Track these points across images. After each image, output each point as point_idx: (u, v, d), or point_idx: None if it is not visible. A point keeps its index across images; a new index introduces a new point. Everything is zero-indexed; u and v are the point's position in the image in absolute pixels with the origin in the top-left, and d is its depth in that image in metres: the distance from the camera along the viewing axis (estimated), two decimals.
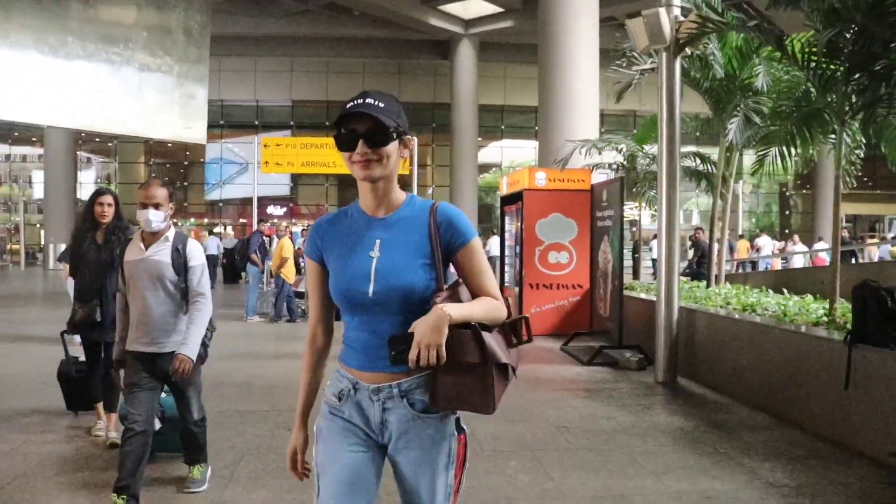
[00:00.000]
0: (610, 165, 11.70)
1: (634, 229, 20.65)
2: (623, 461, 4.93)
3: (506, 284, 12.39)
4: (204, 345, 4.14)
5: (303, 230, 21.28)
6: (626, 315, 8.99)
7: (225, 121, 37.40)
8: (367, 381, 2.01)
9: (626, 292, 9.44)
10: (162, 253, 4.01)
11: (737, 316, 7.27)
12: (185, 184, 42.02)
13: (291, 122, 37.97)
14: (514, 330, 2.00)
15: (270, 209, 37.76)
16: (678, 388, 7.41)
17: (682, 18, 7.69)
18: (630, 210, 17.54)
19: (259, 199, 37.92)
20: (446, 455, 2.01)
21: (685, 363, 7.69)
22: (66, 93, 20.39)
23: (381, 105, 1.98)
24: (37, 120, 23.12)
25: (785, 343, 6.13)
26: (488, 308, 1.96)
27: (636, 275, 16.69)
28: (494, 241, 21.42)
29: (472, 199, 32.14)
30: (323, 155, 18.19)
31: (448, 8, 30.21)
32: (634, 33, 7.81)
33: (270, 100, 37.56)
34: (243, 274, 13.75)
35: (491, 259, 23.42)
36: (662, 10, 7.54)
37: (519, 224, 11.70)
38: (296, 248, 13.12)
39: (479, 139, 34.65)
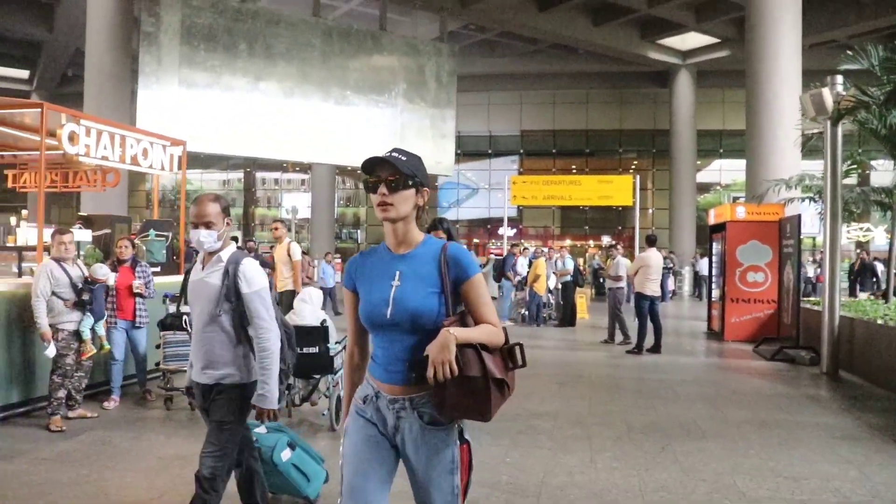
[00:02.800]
0: (802, 199, 13.83)
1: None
2: (809, 425, 7.62)
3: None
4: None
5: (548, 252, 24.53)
6: (804, 323, 11.36)
7: (461, 150, 41.81)
8: (385, 392, 2.40)
9: (805, 305, 11.77)
10: (215, 275, 3.56)
11: (888, 323, 9.51)
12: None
13: (521, 151, 41.73)
14: (510, 355, 2.34)
15: (501, 230, 41.57)
16: (838, 377, 9.75)
17: (843, 93, 10.03)
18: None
19: (491, 220, 42.11)
20: (450, 461, 2.36)
21: (846, 360, 9.99)
22: (342, 135, 25.34)
23: (404, 159, 2.40)
24: (317, 159, 28.48)
25: None
26: (488, 333, 2.32)
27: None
28: (704, 263, 23.62)
29: (691, 221, 33.84)
30: (560, 189, 21.44)
31: (666, 42, 32.35)
32: (804, 106, 10.28)
33: (502, 130, 41.46)
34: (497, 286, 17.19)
35: (700, 278, 25.66)
36: (826, 90, 9.96)
37: (722, 249, 14.19)
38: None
39: (698, 162, 36.31)
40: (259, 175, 48.35)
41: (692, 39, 32.04)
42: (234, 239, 15.11)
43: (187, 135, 12.47)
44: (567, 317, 16.05)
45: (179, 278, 9.07)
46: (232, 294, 3.50)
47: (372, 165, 2.38)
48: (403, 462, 2.42)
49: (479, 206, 44.63)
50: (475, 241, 44.06)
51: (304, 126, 24.80)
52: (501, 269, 16.47)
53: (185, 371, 6.99)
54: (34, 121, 8.09)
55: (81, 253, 8.07)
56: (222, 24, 23.41)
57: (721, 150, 39.76)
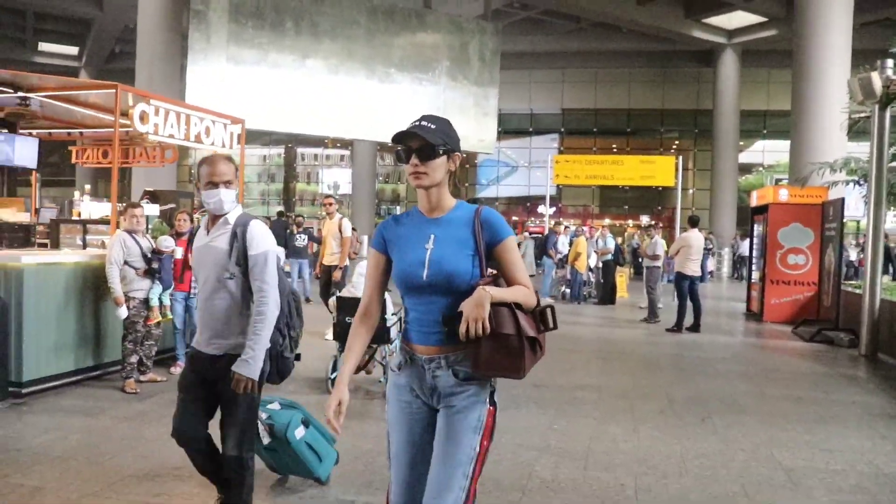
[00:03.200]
0: (846, 182, 13.84)
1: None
2: (846, 403, 7.83)
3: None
4: (279, 355, 3.48)
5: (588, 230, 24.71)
6: (845, 305, 11.48)
7: (502, 127, 41.90)
8: (421, 353, 2.45)
9: (846, 288, 11.88)
10: (221, 238, 3.38)
11: None
12: (458, 182, 47.33)
13: (561, 129, 41.70)
14: (542, 317, 2.41)
15: (540, 209, 41.71)
16: (877, 359, 9.89)
17: (893, 77, 10.07)
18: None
19: (531, 198, 42.25)
20: (476, 419, 2.40)
21: (886, 342, 10.12)
22: (385, 112, 25.63)
23: (433, 126, 2.43)
24: (361, 136, 28.84)
25: None
26: (522, 294, 2.38)
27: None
28: (745, 244, 23.64)
29: (732, 202, 33.68)
30: (601, 170, 21.58)
31: (712, 20, 32.04)
32: (853, 89, 10.33)
33: (543, 108, 41.44)
34: (537, 264, 17.48)
35: (740, 259, 25.68)
36: (875, 74, 10.01)
37: (764, 230, 14.28)
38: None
39: (741, 143, 36.02)
40: (299, 150, 48.82)
41: (738, 18, 31.66)
42: (280, 214, 15.41)
43: (235, 111, 12.80)
44: (607, 295, 16.28)
45: None
46: (241, 257, 3.31)
47: (402, 135, 2.43)
48: (438, 421, 2.46)
49: (519, 184, 44.74)
50: (514, 218, 44.25)
51: (348, 103, 25.14)
52: (543, 247, 16.72)
53: None
54: (103, 100, 8.52)
55: (149, 226, 8.49)
56: (269, 1, 23.78)
57: (765, 131, 39.35)
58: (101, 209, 11.85)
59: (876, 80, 9.97)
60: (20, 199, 10.56)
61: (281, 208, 35.02)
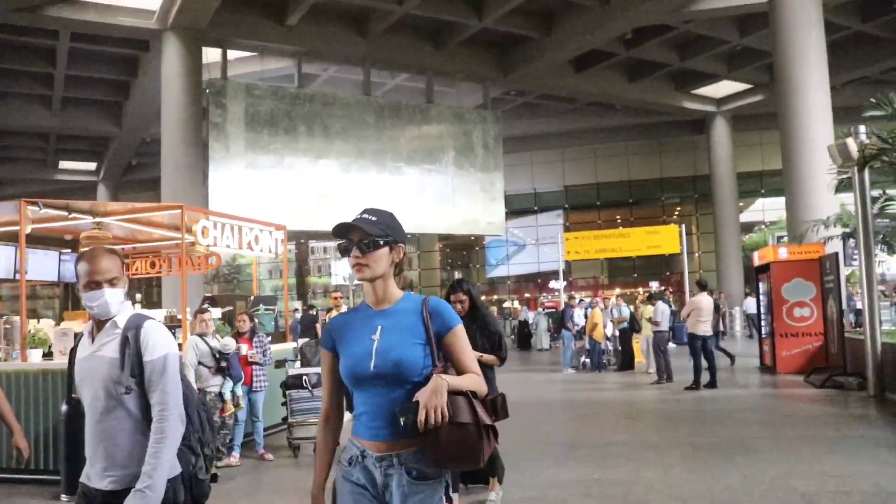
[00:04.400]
0: (840, 237, 14.80)
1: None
2: (855, 438, 8.59)
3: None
4: (194, 478, 2.82)
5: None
6: (850, 351, 12.28)
7: (508, 208, 43.21)
8: (372, 450, 2.40)
9: (850, 335, 12.69)
10: (110, 346, 2.76)
11: None
12: (469, 264, 48.61)
13: (565, 205, 42.99)
14: (493, 406, 2.41)
15: (552, 283, 42.62)
16: (884, 399, 10.63)
17: (866, 142, 11.11)
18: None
19: (541, 274, 43.19)
20: None
21: (892, 382, 10.87)
22: (397, 203, 26.84)
23: (374, 219, 2.45)
24: None
25: None
26: (474, 381, 2.39)
27: None
28: (749, 301, 24.63)
29: (737, 261, 34.56)
30: (609, 243, 22.71)
31: (700, 91, 33.55)
32: (832, 154, 11.38)
33: (546, 187, 42.84)
34: (555, 337, 18.31)
35: (749, 316, 26.50)
36: (850, 140, 11.06)
37: (769, 287, 15.14)
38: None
39: (740, 203, 37.18)
40: (311, 244, 50.20)
41: (725, 87, 33.18)
42: (309, 307, 16.19)
43: (254, 212, 13.81)
44: (626, 361, 17.05)
45: (288, 345, 10.42)
46: (136, 366, 2.69)
47: (343, 230, 2.45)
48: None
49: (528, 262, 45.79)
50: (526, 295, 45.14)
51: (361, 198, 26.34)
52: (561, 321, 17.56)
53: (309, 424, 8.28)
54: (165, 219, 9.60)
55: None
56: (283, 109, 25.36)
57: (762, 190, 40.47)
58: (154, 315, 12.80)
59: (852, 145, 11.02)
60: (85, 312, 11.52)
61: (296, 303, 36.11)
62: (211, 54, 25.04)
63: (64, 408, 7.01)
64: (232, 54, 26.17)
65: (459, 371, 2.43)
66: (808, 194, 19.26)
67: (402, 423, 2.26)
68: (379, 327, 2.43)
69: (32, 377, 7.61)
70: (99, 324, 2.82)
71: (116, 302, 2.76)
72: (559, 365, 18.16)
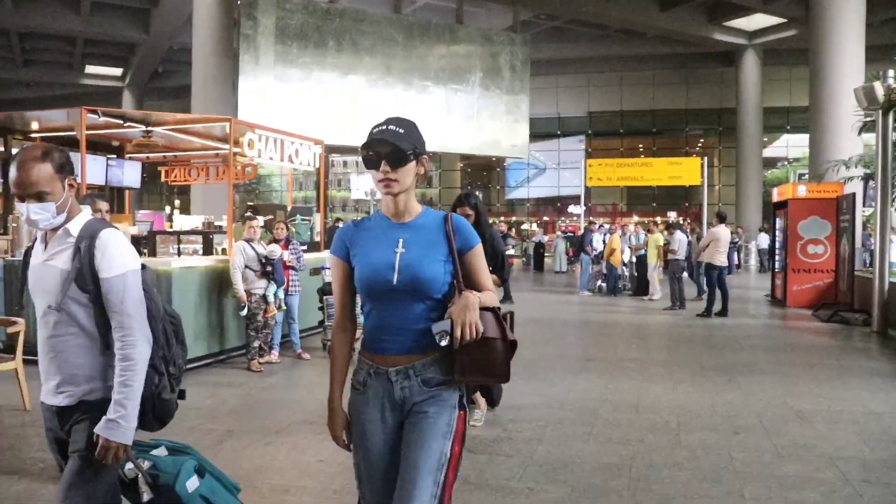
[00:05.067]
0: (860, 178, 15.10)
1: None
2: (852, 366, 9.16)
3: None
4: (156, 397, 2.64)
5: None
6: (859, 289, 12.75)
7: (531, 131, 43.35)
8: (387, 365, 2.38)
9: (859, 273, 13.15)
10: (61, 256, 2.52)
11: None
12: (489, 185, 48.97)
13: (589, 131, 43.01)
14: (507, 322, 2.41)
15: (571, 208, 42.99)
16: (887, 335, 11.14)
17: (894, 86, 11.32)
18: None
19: (560, 198, 43.50)
20: (446, 424, 2.35)
21: (895, 319, 11.37)
22: (423, 121, 26.89)
23: (401, 131, 2.35)
24: None
25: None
26: (492, 299, 2.39)
27: None
28: (762, 237, 25.23)
29: (757, 196, 34.77)
30: (631, 172, 23.07)
31: (732, 23, 33.14)
32: (858, 97, 11.62)
33: (570, 112, 42.80)
34: (572, 261, 18.82)
35: (760, 251, 27.06)
36: (878, 83, 11.28)
37: (785, 224, 15.54)
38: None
39: (765, 139, 37.10)
40: (332, 157, 50.48)
41: (758, 20, 32.68)
42: (337, 220, 16.94)
43: (282, 124, 14.07)
44: (641, 287, 17.61)
45: (323, 254, 11.00)
46: (88, 279, 2.47)
47: (373, 143, 2.34)
48: (403, 432, 2.39)
49: (548, 185, 46.10)
50: (545, 218, 45.58)
51: (387, 114, 26.33)
52: (580, 245, 18.10)
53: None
54: (212, 130, 10.07)
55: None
56: (313, 23, 25.42)
57: (788, 127, 40.35)
58: (191, 222, 13.43)
59: (878, 88, 11.25)
60: (129, 216, 12.13)
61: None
62: None
63: None
64: None
65: (475, 288, 2.41)
66: (833, 134, 19.47)
67: (438, 341, 2.23)
68: (400, 240, 2.39)
69: None
70: (49, 231, 2.55)
71: (45, 216, 2.47)
72: (575, 287, 18.80)
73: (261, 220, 9.83)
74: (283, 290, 8.92)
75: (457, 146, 29.50)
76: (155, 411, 2.66)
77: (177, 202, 14.44)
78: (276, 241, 9.04)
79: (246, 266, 8.37)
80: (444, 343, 2.22)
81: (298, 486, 4.53)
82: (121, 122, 9.14)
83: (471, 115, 28.91)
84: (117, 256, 2.47)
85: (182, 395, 2.81)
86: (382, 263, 2.36)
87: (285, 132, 10.33)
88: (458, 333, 2.20)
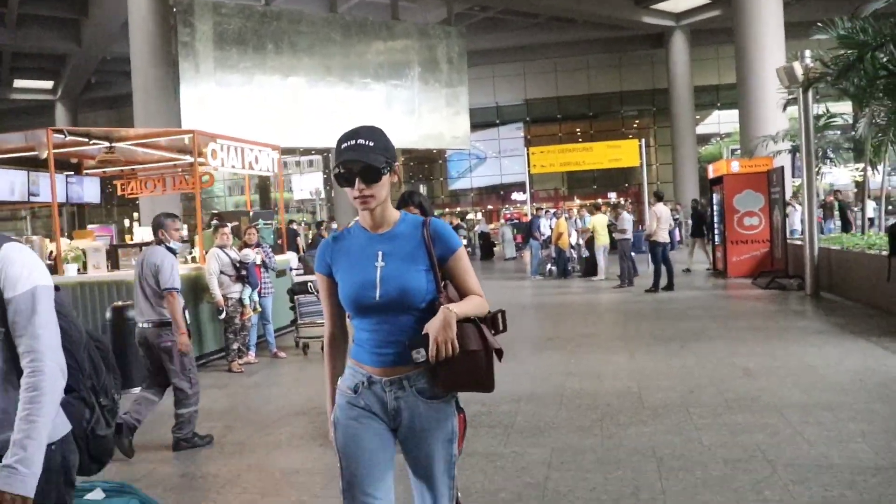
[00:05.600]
0: (788, 151, 16.04)
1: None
2: (790, 327, 9.92)
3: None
4: (90, 435, 2.29)
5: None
6: (792, 256, 13.64)
7: (469, 121, 43.99)
8: (380, 375, 2.37)
9: (790, 241, 14.06)
10: None
11: (847, 249, 11.76)
12: (431, 178, 49.51)
13: (527, 118, 43.83)
14: (493, 322, 2.43)
15: (514, 195, 43.76)
16: (819, 297, 12.01)
17: (811, 65, 12.16)
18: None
19: (503, 186, 44.20)
20: (449, 432, 2.41)
21: (826, 283, 12.24)
22: (365, 118, 27.28)
23: (371, 144, 2.30)
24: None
25: (868, 262, 10.68)
26: (478, 305, 2.40)
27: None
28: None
29: (693, 173, 35.96)
30: (573, 157, 23.88)
31: (660, 6, 34.17)
32: (780, 76, 12.44)
33: (508, 100, 43.54)
34: (519, 247, 19.47)
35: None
36: (797, 63, 12.11)
37: (721, 198, 16.40)
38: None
39: (697, 116, 38.36)
40: None
41: (684, 2, 33.84)
42: (319, 224, 17.30)
43: (224, 129, 14.09)
44: (590, 268, 18.33)
45: (286, 256, 11.39)
46: None
47: (342, 159, 2.31)
48: (401, 441, 2.42)
49: (490, 174, 46.79)
50: (489, 207, 46.29)
51: (330, 113, 26.91)
52: (528, 231, 18.76)
53: (316, 325, 9.30)
54: (172, 142, 10.37)
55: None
56: (250, 27, 25.55)
57: (718, 104, 41.69)
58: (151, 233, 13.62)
59: (798, 68, 12.08)
60: (91, 231, 12.31)
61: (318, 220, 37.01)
62: None
63: (108, 314, 7.96)
64: None
65: (462, 293, 2.44)
66: (761, 109, 20.45)
67: (414, 358, 2.25)
68: (380, 253, 2.38)
69: (70, 289, 8.50)
70: None
71: None
72: (525, 273, 19.48)
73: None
74: (257, 292, 9.32)
75: (399, 141, 29.75)
76: (90, 451, 2.31)
77: (136, 214, 14.57)
78: (247, 245, 9.42)
79: (221, 272, 8.74)
80: (420, 361, 2.25)
81: (305, 468, 4.99)
82: (86, 139, 9.35)
83: (412, 109, 29.35)
84: (23, 271, 2.08)
85: (119, 429, 2.49)
86: (363, 280, 2.36)
87: (245, 140, 10.67)
88: (432, 352, 2.21)
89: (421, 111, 29.52)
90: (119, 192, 13.89)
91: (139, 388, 6.21)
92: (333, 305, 2.51)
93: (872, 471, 4.24)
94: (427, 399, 2.37)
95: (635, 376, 6.99)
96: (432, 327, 2.24)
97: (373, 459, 2.38)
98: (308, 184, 49.70)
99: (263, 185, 50.49)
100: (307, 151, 46.20)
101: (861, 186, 15.14)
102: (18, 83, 41.18)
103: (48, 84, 41.89)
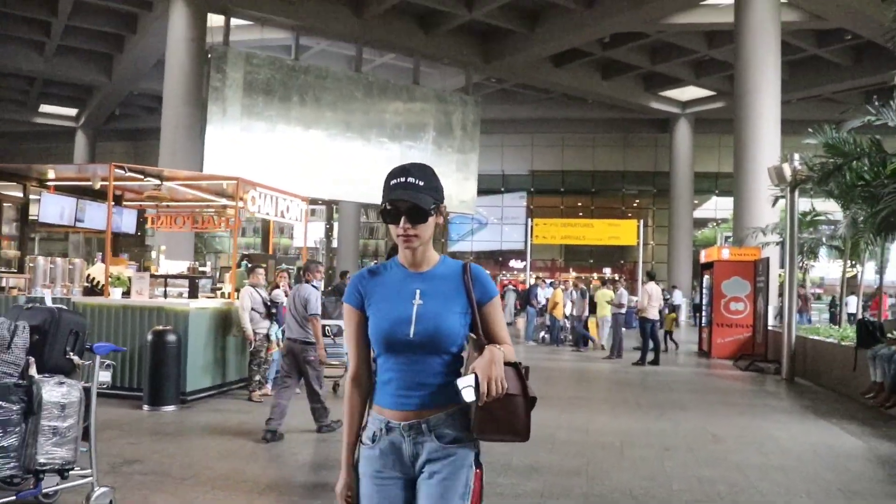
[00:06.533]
0: (776, 243, 17.10)
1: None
2: (761, 405, 10.80)
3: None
4: None
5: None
6: (772, 342, 14.59)
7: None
8: (398, 420, 2.30)
9: (771, 328, 15.03)
10: None
11: (822, 339, 12.71)
12: (433, 238, 50.55)
13: (531, 188, 45.16)
14: (524, 372, 2.35)
15: (512, 262, 44.82)
16: (794, 382, 12.90)
17: (798, 167, 13.28)
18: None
19: (502, 252, 45.19)
20: (464, 484, 2.30)
21: (801, 369, 13.16)
22: (378, 176, 28.56)
23: (421, 183, 2.29)
24: (356, 198, 31.82)
25: (839, 352, 11.62)
26: (512, 352, 2.34)
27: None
28: (677, 294, 27.41)
29: (688, 256, 37.06)
30: (573, 231, 25.04)
31: (667, 93, 35.84)
32: (770, 175, 13.56)
33: (514, 169, 44.93)
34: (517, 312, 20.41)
35: (673, 307, 29.12)
36: (786, 164, 13.23)
37: (711, 283, 17.42)
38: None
39: (695, 201, 39.71)
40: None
41: (691, 92, 35.43)
42: (343, 274, 18.13)
43: (245, 174, 15.05)
44: (581, 339, 19.23)
45: None
46: None
47: (391, 197, 2.30)
48: (417, 493, 2.34)
49: (490, 240, 47.90)
50: (487, 271, 47.16)
51: (346, 168, 28.08)
52: (527, 298, 19.70)
53: (333, 365, 10.14)
54: (216, 185, 11.39)
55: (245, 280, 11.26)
56: (279, 79, 26.82)
57: (717, 191, 43.05)
58: (176, 266, 14.59)
59: (786, 169, 13.20)
60: (124, 259, 13.23)
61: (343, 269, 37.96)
62: (213, 19, 26.47)
63: (150, 336, 8.82)
64: (233, 21, 27.56)
65: (492, 339, 2.37)
66: (754, 200, 21.49)
67: (464, 397, 2.16)
68: (418, 291, 2.35)
69: (114, 311, 9.39)
70: None
71: None
72: (521, 337, 20.35)
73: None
74: (282, 330, 10.19)
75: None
76: None
77: (163, 247, 15.33)
78: (277, 286, 10.33)
79: (252, 308, 9.64)
80: (470, 399, 2.16)
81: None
82: (141, 176, 10.35)
83: None
84: None
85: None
86: (399, 315, 2.31)
87: (279, 189, 11.68)
88: (484, 389, 2.14)
89: None
90: (149, 225, 14.90)
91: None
92: (360, 340, 2.44)
93: None
94: (446, 444, 2.31)
95: (618, 434, 7.86)
96: (480, 365, 2.18)
97: None
98: (312, 233, 50.70)
99: (265, 229, 51.64)
100: (314, 201, 47.27)
101: (842, 282, 16.12)
102: (44, 108, 42.47)
103: (72, 111, 43.21)
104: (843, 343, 11.82)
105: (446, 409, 2.30)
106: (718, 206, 43.39)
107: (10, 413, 4.17)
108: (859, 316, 18.14)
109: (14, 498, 4.48)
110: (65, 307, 4.97)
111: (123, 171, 9.85)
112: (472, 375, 2.16)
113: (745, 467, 6.51)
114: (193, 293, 11.64)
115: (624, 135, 41.92)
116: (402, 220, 2.28)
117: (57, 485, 4.62)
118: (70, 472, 4.57)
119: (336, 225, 44.73)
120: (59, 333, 4.62)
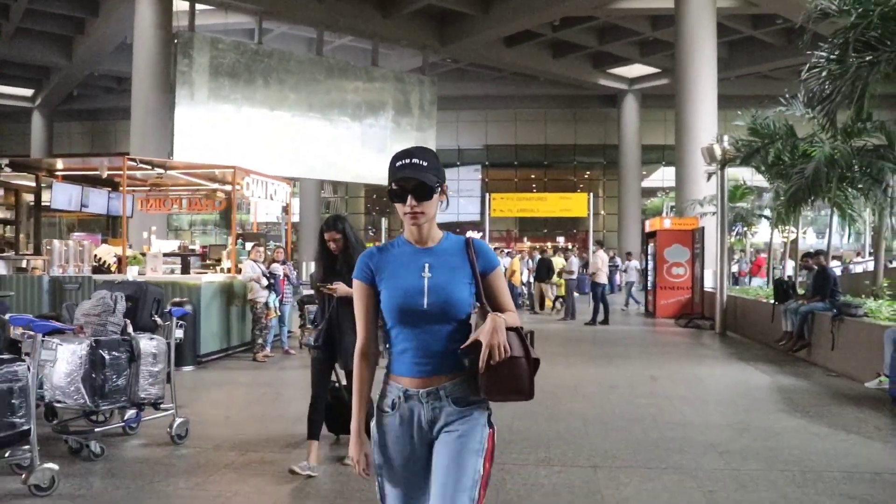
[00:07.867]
0: (712, 213, 18.92)
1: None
2: (694, 354, 12.55)
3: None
4: None
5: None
6: (708, 302, 16.43)
7: None
8: (416, 387, 2.44)
9: (707, 289, 16.87)
10: None
11: (748, 297, 14.53)
12: (388, 211, 51.92)
13: (486, 162, 46.68)
14: (528, 337, 2.51)
15: (469, 234, 46.31)
16: (726, 336, 14.70)
17: (727, 147, 14.97)
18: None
19: (459, 223, 46.62)
20: (479, 441, 2.42)
21: (731, 324, 14.97)
22: (339, 154, 29.96)
23: (425, 164, 2.43)
24: (319, 175, 32.99)
25: (761, 308, 13.42)
26: (515, 318, 2.47)
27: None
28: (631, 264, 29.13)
29: (637, 224, 38.96)
30: (528, 204, 26.75)
31: (615, 71, 37.66)
32: (703, 154, 15.26)
33: (469, 144, 46.38)
34: None
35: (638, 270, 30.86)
36: (716, 145, 14.92)
37: (654, 250, 19.19)
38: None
39: (644, 172, 41.70)
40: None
41: (637, 69, 37.34)
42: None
43: (213, 156, 16.03)
44: (537, 303, 20.95)
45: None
46: None
47: (397, 176, 2.42)
48: (434, 450, 2.45)
49: (447, 213, 49.05)
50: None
51: (309, 146, 29.30)
52: None
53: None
54: (211, 173, 12.67)
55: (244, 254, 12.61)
56: (243, 62, 27.80)
57: (664, 161, 45.04)
58: (168, 246, 15.82)
59: (717, 149, 14.90)
60: (123, 240, 14.45)
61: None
62: (178, 4, 27.33)
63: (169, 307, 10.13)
64: (198, 6, 28.37)
65: (497, 308, 2.48)
66: (693, 174, 23.23)
67: (466, 363, 2.33)
68: (426, 265, 2.46)
69: None
70: None
71: None
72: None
73: (248, 244, 12.49)
74: (279, 300, 11.62)
75: (370, 177, 32.30)
76: None
77: (153, 227, 16.39)
78: (275, 261, 11.70)
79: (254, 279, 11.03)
80: (468, 363, 2.34)
81: None
82: (149, 167, 11.60)
83: (383, 147, 31.75)
84: None
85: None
86: (412, 288, 2.44)
87: (269, 175, 13.01)
88: (484, 355, 2.29)
89: (391, 150, 31.27)
90: (139, 208, 16.07)
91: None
92: (370, 315, 2.56)
93: (722, 427, 6.77)
94: (462, 407, 2.44)
95: (573, 378, 9.49)
96: (483, 332, 2.32)
97: (406, 482, 2.49)
98: (271, 209, 51.47)
99: (227, 206, 52.30)
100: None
101: (769, 247, 18.06)
102: None
103: (28, 92, 43.22)
104: (765, 301, 13.63)
105: (461, 375, 2.42)
106: (665, 177, 45.30)
107: (121, 360, 5.57)
108: (785, 278, 20.16)
109: (103, 429, 5.89)
110: (148, 281, 6.33)
111: (135, 163, 11.07)
112: (476, 342, 2.34)
113: (674, 398, 8.16)
114: (185, 269, 12.93)
115: (574, 110, 43.59)
116: (409, 198, 2.42)
117: (146, 416, 6.04)
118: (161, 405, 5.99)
119: (297, 200, 45.65)
120: (147, 301, 6.03)
